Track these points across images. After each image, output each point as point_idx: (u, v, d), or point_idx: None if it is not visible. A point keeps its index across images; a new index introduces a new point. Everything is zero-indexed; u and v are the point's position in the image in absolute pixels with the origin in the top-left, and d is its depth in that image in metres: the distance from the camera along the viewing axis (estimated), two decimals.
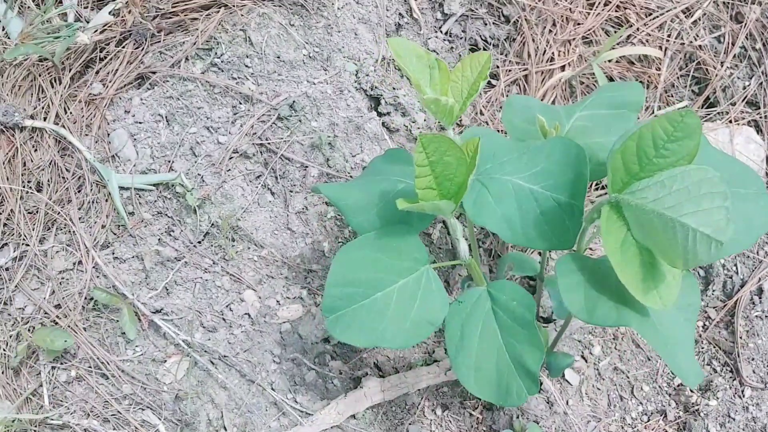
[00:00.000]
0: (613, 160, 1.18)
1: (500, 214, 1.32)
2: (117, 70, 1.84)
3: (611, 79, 2.04)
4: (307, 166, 1.80)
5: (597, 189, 1.98)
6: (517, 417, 1.72)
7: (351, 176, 1.81)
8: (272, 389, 1.67)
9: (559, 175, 1.32)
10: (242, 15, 1.87)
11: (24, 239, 1.69)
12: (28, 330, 1.62)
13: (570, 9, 2.04)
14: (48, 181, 1.74)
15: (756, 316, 1.87)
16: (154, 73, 1.83)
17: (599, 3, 2.05)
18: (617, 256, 1.17)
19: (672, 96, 2.07)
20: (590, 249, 1.93)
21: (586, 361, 1.87)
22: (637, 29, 2.04)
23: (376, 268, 1.34)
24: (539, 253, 1.91)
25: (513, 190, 1.33)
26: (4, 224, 1.71)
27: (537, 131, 1.49)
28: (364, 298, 1.33)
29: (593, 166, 1.38)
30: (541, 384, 1.78)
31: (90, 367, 1.64)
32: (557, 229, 1.31)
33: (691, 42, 2.05)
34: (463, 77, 1.34)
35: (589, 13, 2.05)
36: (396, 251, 1.36)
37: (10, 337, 1.63)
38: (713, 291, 1.92)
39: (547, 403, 1.77)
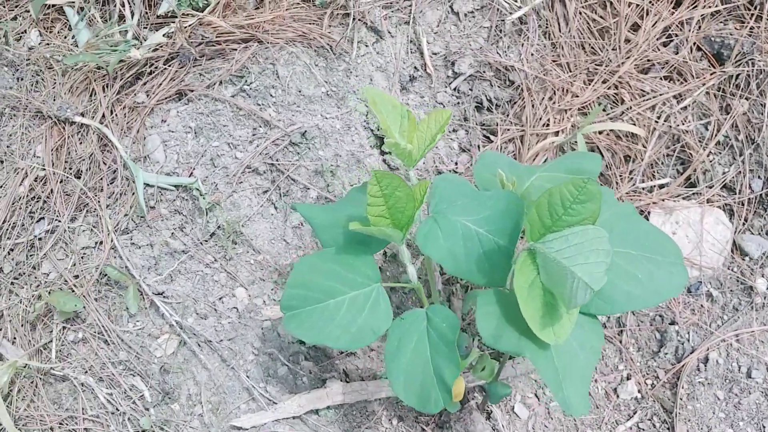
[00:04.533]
0: (530, 213, 1.40)
1: (447, 249, 1.54)
2: (161, 84, 2.13)
3: (598, 150, 2.24)
4: (308, 188, 2.05)
5: None
6: None
7: None
8: (247, 376, 1.91)
9: (501, 222, 1.53)
10: (274, 51, 2.15)
11: (57, 216, 1.99)
12: (48, 292, 1.90)
13: (570, 82, 2.26)
14: (86, 170, 2.04)
15: (699, 381, 2.03)
16: (191, 90, 2.12)
17: (598, 80, 2.26)
18: (524, 294, 1.39)
19: (655, 172, 2.25)
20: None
21: (538, 399, 2.05)
22: (629, 108, 2.25)
23: (333, 278, 1.58)
24: None
25: (461, 230, 1.55)
26: (44, 201, 2.00)
27: (499, 183, 1.71)
28: (318, 302, 1.57)
29: None
30: (491, 412, 1.98)
31: (95, 332, 1.91)
32: (494, 268, 1.52)
33: (679, 125, 2.24)
34: (427, 128, 1.57)
35: (587, 88, 2.26)
36: (351, 267, 1.59)
37: (33, 296, 1.91)
38: (665, 353, 2.08)
39: (494, 430, 1.96)
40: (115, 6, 2.19)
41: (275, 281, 2.01)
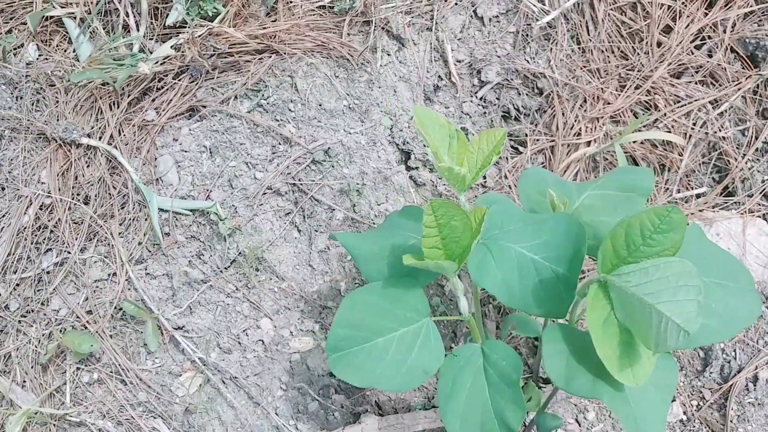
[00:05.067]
0: (604, 244, 1.28)
1: (501, 279, 1.42)
2: (171, 100, 1.99)
3: (634, 160, 2.13)
4: (334, 209, 1.92)
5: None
6: None
7: (374, 223, 1.93)
8: (276, 414, 1.78)
9: (560, 249, 1.42)
10: (291, 63, 2.01)
11: (66, 247, 1.84)
12: (60, 331, 1.76)
13: (602, 89, 2.15)
14: (95, 195, 1.89)
15: (749, 402, 1.93)
16: (204, 107, 1.98)
17: (630, 86, 2.15)
18: (598, 332, 1.27)
19: (692, 181, 2.15)
20: (582, 320, 2.01)
21: (579, 424, 1.94)
22: (664, 114, 2.14)
23: (380, 315, 1.45)
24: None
25: (515, 257, 1.43)
26: (51, 231, 1.86)
27: (548, 203, 1.59)
28: (366, 341, 1.44)
29: (594, 242, 1.48)
30: None
31: (111, 372, 1.77)
32: (553, 298, 1.40)
33: (716, 132, 2.14)
34: (479, 149, 1.45)
35: (619, 95, 2.15)
36: (400, 301, 1.46)
37: (43, 335, 1.77)
38: (710, 373, 1.99)
39: None
40: (118, 17, 2.05)
41: (302, 310, 1.88)
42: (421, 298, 1.48)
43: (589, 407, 1.95)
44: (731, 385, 1.95)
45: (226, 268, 1.88)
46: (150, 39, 2.06)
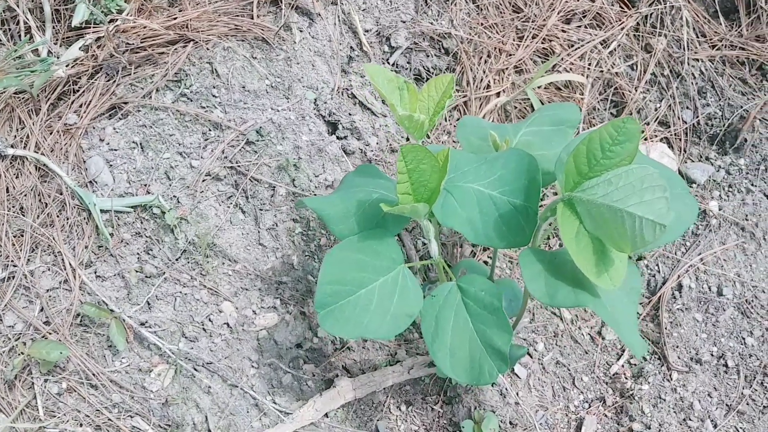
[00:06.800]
0: (566, 164, 1.38)
1: (465, 217, 1.50)
2: (90, 101, 1.95)
3: (542, 103, 2.27)
4: (275, 186, 1.95)
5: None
6: (475, 408, 1.90)
7: (315, 194, 1.97)
8: (253, 392, 1.80)
9: (515, 182, 1.51)
10: (208, 49, 2.02)
11: (11, 260, 1.78)
12: (22, 345, 1.70)
13: (502, 42, 2.27)
14: (31, 205, 1.84)
15: (677, 309, 2.11)
16: (126, 103, 1.96)
17: (528, 36, 2.28)
18: (573, 246, 1.37)
19: (594, 117, 2.31)
20: (545, 245, 2.13)
21: (531, 357, 2.06)
22: (562, 59, 2.29)
23: (359, 267, 1.50)
24: (488, 259, 2.10)
25: (475, 196, 1.51)
26: None
27: (490, 146, 1.68)
28: (350, 294, 1.49)
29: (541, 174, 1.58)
30: None
31: (80, 378, 1.73)
32: (514, 230, 1.49)
33: (609, 69, 2.30)
34: (429, 97, 1.52)
35: (519, 45, 2.28)
36: (375, 252, 1.52)
37: (3, 352, 1.71)
38: None
39: (501, 395, 1.95)
40: (17, 24, 1.99)
41: (259, 288, 1.90)
42: (394, 246, 1.54)
43: (537, 339, 2.07)
44: (660, 296, 2.12)
45: (177, 259, 1.87)
46: (55, 43, 2.01)
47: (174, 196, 1.89)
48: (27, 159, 1.87)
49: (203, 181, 1.91)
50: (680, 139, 2.30)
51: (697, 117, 2.30)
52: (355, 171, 1.72)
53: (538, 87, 2.25)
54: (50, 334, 1.74)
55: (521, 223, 1.49)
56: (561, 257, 1.47)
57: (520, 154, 1.53)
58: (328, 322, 1.48)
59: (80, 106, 1.96)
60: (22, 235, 1.80)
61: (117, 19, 2.01)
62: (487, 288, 1.51)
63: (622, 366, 2.08)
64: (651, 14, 2.34)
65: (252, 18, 2.09)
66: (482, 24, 2.28)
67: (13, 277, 1.77)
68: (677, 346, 2.07)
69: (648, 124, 2.30)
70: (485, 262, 2.11)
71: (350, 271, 1.50)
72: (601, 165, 1.36)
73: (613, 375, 2.06)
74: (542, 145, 1.71)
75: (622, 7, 2.38)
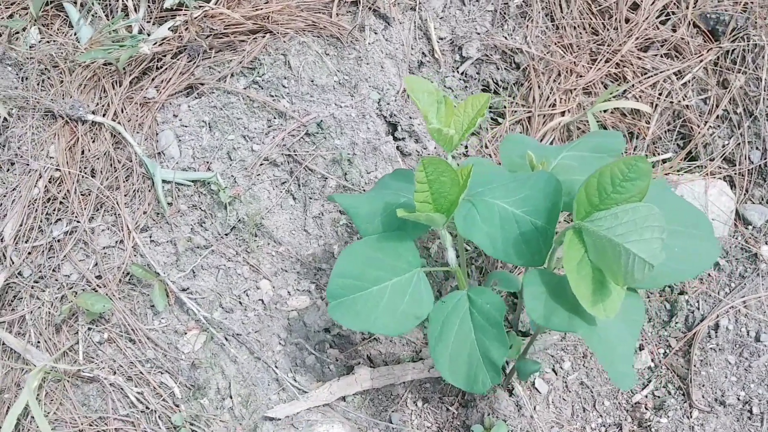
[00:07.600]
0: (579, 194, 1.42)
1: (485, 231, 1.56)
2: (170, 78, 2.11)
3: (604, 128, 2.28)
4: (326, 178, 2.05)
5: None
6: (488, 415, 1.95)
7: (364, 190, 2.06)
8: (276, 367, 1.91)
9: (538, 203, 1.55)
10: (284, 41, 2.14)
11: (76, 216, 1.96)
12: (73, 294, 1.87)
13: (574, 63, 2.29)
14: (101, 168, 2.01)
15: (711, 348, 2.09)
16: (202, 84, 2.10)
17: (601, 60, 2.30)
18: (574, 273, 1.41)
19: (658, 147, 2.31)
20: (561, 269, 2.16)
21: (556, 374, 2.09)
22: (632, 86, 2.29)
23: (375, 265, 1.59)
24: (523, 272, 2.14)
25: (498, 212, 1.57)
26: (60, 202, 1.97)
27: (527, 165, 1.73)
28: (362, 289, 1.58)
29: (569, 198, 1.62)
30: (513, 389, 2.01)
31: (120, 331, 1.89)
32: (532, 249, 1.54)
33: (680, 101, 2.29)
34: (464, 113, 1.59)
35: (590, 68, 2.30)
36: (393, 253, 1.60)
37: (55, 299, 1.88)
38: (676, 323, 2.14)
39: (517, 406, 1.99)
40: (117, 1, 2.16)
41: (298, 272, 2.01)
42: (412, 250, 1.62)
43: (565, 357, 2.10)
44: (695, 333, 2.11)
45: (226, 234, 2.00)
46: (148, 22, 2.17)
47: (232, 176, 2.02)
48: (104, 126, 2.04)
49: (261, 165, 2.04)
50: (744, 179, 2.26)
51: (765, 158, 2.26)
52: (391, 174, 1.81)
53: (604, 111, 2.27)
54: (100, 287, 1.90)
55: (540, 243, 1.54)
56: (565, 282, 1.50)
57: (548, 178, 1.58)
58: (338, 313, 1.58)
59: (161, 82, 2.11)
60: (89, 195, 1.98)
61: (205, 6, 2.15)
62: (493, 302, 1.57)
63: (646, 396, 2.08)
64: (733, 50, 2.31)
65: (330, 16, 2.20)
66: (557, 43, 2.31)
67: (75, 232, 1.95)
68: (703, 385, 2.05)
69: (712, 159, 2.27)
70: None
71: (365, 268, 1.59)
72: (611, 199, 1.40)
73: (635, 404, 2.06)
74: (580, 170, 1.74)
75: (705, 40, 2.35)
